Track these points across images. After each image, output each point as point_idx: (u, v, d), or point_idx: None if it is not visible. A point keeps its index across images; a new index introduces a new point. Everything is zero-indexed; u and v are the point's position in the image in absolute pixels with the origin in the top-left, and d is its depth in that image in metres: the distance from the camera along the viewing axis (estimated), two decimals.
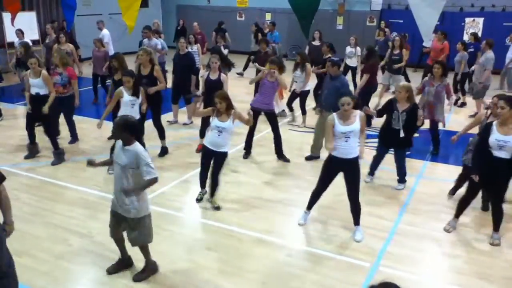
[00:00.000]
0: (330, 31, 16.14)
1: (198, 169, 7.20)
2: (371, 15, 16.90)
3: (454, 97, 8.01)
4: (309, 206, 5.65)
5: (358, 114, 5.19)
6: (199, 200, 6.15)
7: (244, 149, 7.85)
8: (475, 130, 6.04)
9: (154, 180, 4.17)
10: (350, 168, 5.22)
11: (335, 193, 6.50)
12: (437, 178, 7.10)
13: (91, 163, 4.47)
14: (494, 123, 5.02)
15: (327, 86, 7.37)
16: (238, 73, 14.28)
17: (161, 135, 7.89)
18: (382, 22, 15.03)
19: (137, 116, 6.48)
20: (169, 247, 5.09)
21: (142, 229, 4.35)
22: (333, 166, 5.31)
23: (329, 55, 9.81)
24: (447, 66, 7.91)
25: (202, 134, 7.61)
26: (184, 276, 4.61)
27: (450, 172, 7.08)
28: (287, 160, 7.63)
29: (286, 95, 9.72)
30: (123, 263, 4.69)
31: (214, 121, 5.68)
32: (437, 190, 6.68)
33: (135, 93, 6.57)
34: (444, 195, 6.50)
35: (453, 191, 6.41)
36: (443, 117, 7.75)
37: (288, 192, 6.57)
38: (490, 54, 9.84)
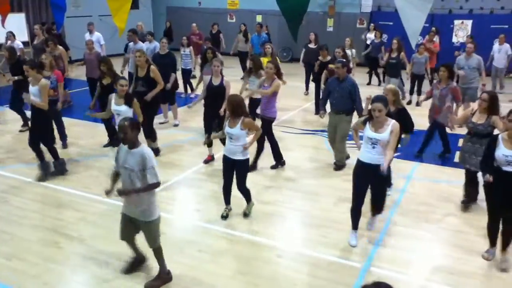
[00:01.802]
0: (321, 33, 16.11)
1: (190, 171, 7.26)
2: (361, 17, 16.99)
3: (460, 102, 7.65)
4: (354, 226, 5.28)
5: (391, 124, 4.80)
6: (224, 217, 5.80)
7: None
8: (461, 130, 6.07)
9: (155, 185, 4.16)
10: (376, 175, 4.83)
11: (328, 194, 6.54)
12: (427, 178, 7.14)
13: (108, 193, 4.42)
14: (500, 136, 4.65)
15: (336, 89, 7.12)
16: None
17: (153, 137, 7.82)
18: (372, 24, 15.10)
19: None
20: None
21: (148, 233, 4.35)
22: (361, 172, 5.00)
23: (329, 57, 9.82)
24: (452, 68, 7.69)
25: (210, 144, 7.50)
26: (175, 278, 4.59)
27: (440, 172, 7.14)
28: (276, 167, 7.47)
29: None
30: (136, 262, 4.70)
31: (225, 127, 5.50)
32: (427, 190, 6.72)
33: (126, 102, 6.23)
34: (435, 195, 6.54)
35: (467, 202, 6.11)
36: (447, 121, 7.12)
37: (280, 194, 6.58)
38: (479, 57, 9.81)
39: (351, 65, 11.47)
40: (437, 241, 5.42)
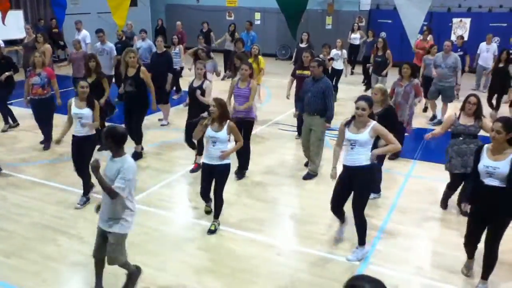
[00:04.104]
0: (319, 31, 16.19)
1: (187, 169, 7.25)
2: (359, 15, 16.98)
3: (421, 98, 7.78)
4: (340, 219, 5.36)
5: (371, 125, 4.69)
6: (209, 212, 5.74)
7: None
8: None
9: (112, 191, 3.87)
10: (356, 177, 4.78)
11: (326, 192, 6.55)
12: (425, 176, 7.15)
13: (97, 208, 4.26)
14: (485, 147, 4.37)
15: (310, 89, 6.78)
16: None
17: (138, 139, 7.59)
18: (356, 24, 15.04)
19: (88, 132, 5.88)
20: (159, 247, 5.08)
21: (111, 246, 4.10)
22: (343, 175, 4.93)
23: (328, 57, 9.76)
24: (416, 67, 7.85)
25: (200, 152, 7.00)
26: (174, 276, 4.60)
27: (439, 170, 7.12)
28: (242, 176, 7.01)
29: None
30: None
31: (208, 131, 5.26)
32: (425, 188, 6.74)
33: (89, 105, 5.85)
34: (433, 193, 6.56)
35: (444, 203, 6.16)
36: (408, 119, 7.51)
37: (278, 192, 6.59)
38: (456, 55, 9.79)
39: (342, 65, 11.45)
40: (436, 239, 5.43)
